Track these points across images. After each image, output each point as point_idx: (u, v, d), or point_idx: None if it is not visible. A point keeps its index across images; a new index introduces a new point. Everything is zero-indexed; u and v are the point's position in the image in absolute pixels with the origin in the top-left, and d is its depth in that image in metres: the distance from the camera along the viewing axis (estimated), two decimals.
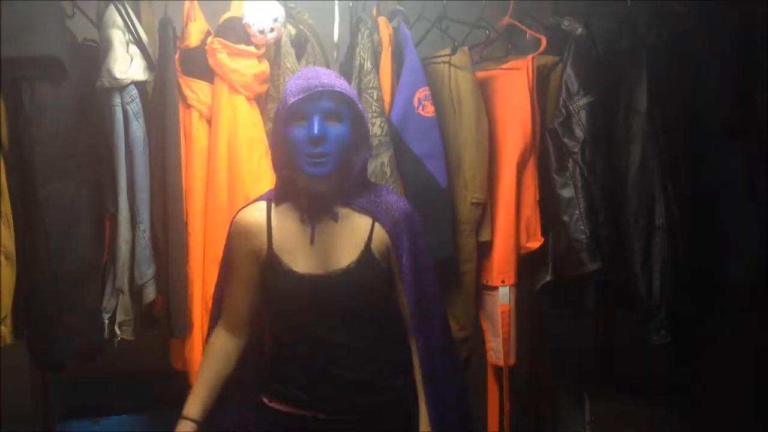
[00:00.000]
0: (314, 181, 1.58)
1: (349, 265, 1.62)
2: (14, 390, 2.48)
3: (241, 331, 1.75)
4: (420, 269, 1.67)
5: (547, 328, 2.80)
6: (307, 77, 1.56)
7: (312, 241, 1.63)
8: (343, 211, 1.64)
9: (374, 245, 1.64)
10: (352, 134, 1.58)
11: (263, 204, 1.69)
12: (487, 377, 2.38)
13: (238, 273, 1.70)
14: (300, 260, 1.63)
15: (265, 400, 1.71)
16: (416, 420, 1.67)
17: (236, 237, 1.70)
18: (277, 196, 1.68)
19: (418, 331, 1.66)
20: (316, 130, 1.51)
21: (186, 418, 1.67)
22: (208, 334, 1.79)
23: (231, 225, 1.72)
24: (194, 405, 1.69)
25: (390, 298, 1.69)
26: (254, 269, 1.68)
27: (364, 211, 1.64)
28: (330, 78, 1.57)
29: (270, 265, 1.65)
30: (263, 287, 1.70)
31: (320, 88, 1.53)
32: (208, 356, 1.74)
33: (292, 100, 1.53)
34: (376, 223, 1.64)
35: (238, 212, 1.72)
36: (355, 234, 1.64)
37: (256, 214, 1.68)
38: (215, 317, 1.78)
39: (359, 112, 1.60)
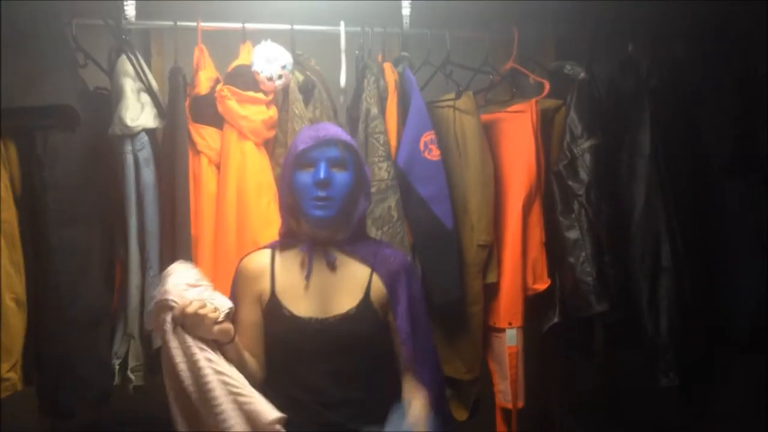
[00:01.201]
0: (318, 225, 1.65)
1: (348, 311, 1.67)
2: None
3: (260, 363, 1.75)
4: (417, 320, 1.72)
5: (555, 370, 2.78)
6: (315, 129, 1.69)
7: (312, 287, 1.68)
8: (342, 259, 1.71)
9: (373, 294, 1.69)
10: (354, 183, 1.66)
11: (267, 251, 1.76)
12: (495, 420, 2.36)
13: (242, 316, 1.73)
14: (301, 304, 1.68)
15: None
16: None
17: (240, 281, 1.75)
18: (282, 242, 1.75)
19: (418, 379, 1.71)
20: (322, 174, 1.61)
21: None
22: None
23: (236, 270, 1.77)
24: None
25: (386, 350, 1.72)
26: (258, 313, 1.73)
27: (362, 261, 1.71)
28: (337, 130, 1.69)
29: (271, 308, 1.69)
30: (265, 329, 1.73)
31: (328, 137, 1.64)
32: None
33: (301, 147, 1.63)
34: (374, 274, 1.70)
35: (242, 258, 1.78)
36: (354, 282, 1.70)
37: (259, 259, 1.74)
38: None
39: (361, 163, 1.70)
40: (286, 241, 1.74)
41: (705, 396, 2.38)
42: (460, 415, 2.33)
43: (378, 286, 1.69)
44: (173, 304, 1.56)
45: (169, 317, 1.57)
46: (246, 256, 1.78)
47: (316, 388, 1.65)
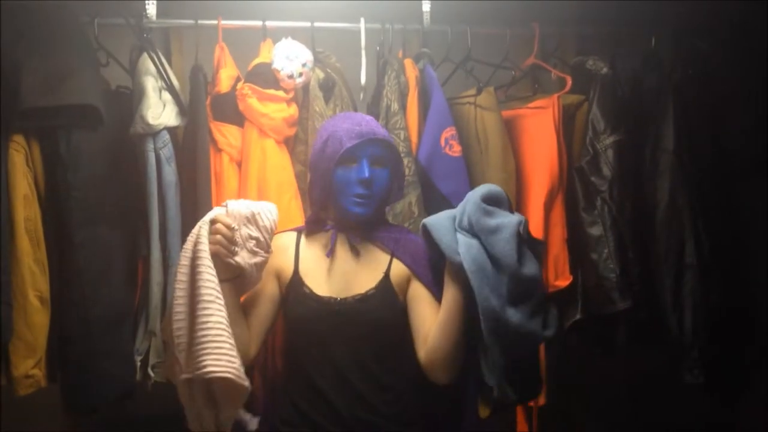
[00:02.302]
0: (355, 220, 1.69)
1: (367, 292, 1.70)
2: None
3: (254, 340, 1.76)
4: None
5: (577, 367, 2.76)
6: (358, 123, 1.68)
7: (333, 268, 1.72)
8: (364, 243, 1.74)
9: (393, 276, 1.72)
10: (391, 180, 1.71)
11: (293, 233, 1.82)
12: (516, 417, 2.35)
13: (261, 288, 1.76)
14: (322, 284, 1.72)
15: (279, 426, 1.72)
16: None
17: None
18: (308, 228, 1.79)
19: None
20: (367, 173, 1.64)
21: None
22: None
23: None
24: None
25: (404, 334, 1.72)
26: (276, 288, 1.77)
27: (383, 246, 1.74)
28: (378, 126, 1.71)
29: (293, 287, 1.73)
30: (285, 309, 1.77)
31: (371, 135, 1.66)
32: None
33: (348, 144, 1.63)
34: (395, 259, 1.73)
35: None
36: (374, 266, 1.73)
37: (286, 238, 1.80)
38: None
39: (399, 159, 1.74)
40: (312, 226, 1.78)
41: (735, 395, 2.34)
42: (483, 412, 2.31)
43: (398, 268, 1.72)
44: (223, 214, 1.65)
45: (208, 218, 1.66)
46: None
47: (334, 370, 1.66)
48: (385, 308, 1.68)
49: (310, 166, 1.76)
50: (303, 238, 1.79)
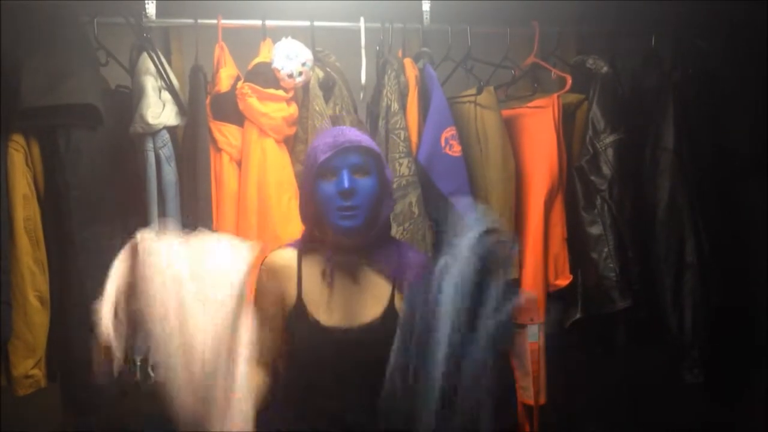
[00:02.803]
0: (345, 234, 1.59)
1: (373, 321, 1.63)
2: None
3: (268, 368, 1.74)
4: None
5: (577, 366, 2.76)
6: (333, 135, 1.60)
7: (336, 295, 1.64)
8: (364, 268, 1.66)
9: (397, 304, 1.64)
10: (378, 187, 1.61)
11: (293, 252, 1.71)
12: (517, 416, 2.35)
13: (265, 313, 1.71)
14: (326, 313, 1.64)
15: None
16: None
17: (267, 278, 1.71)
18: (305, 247, 1.70)
19: None
20: (346, 184, 1.54)
21: None
22: None
23: (262, 265, 1.72)
24: None
25: None
26: (279, 312, 1.70)
27: (384, 270, 1.66)
28: (356, 134, 1.61)
29: (297, 314, 1.66)
30: (289, 336, 1.70)
31: (348, 144, 1.57)
32: None
33: (321, 157, 1.56)
34: (396, 285, 1.65)
35: (269, 254, 1.73)
36: (378, 291, 1.66)
37: (288, 259, 1.69)
38: None
39: (383, 165, 1.63)
40: (308, 246, 1.70)
41: (735, 394, 2.34)
42: None
43: (400, 297, 1.64)
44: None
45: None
46: (273, 253, 1.73)
47: (339, 398, 1.62)
48: (391, 338, 1.64)
49: (298, 185, 1.70)
50: (303, 259, 1.69)
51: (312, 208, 1.63)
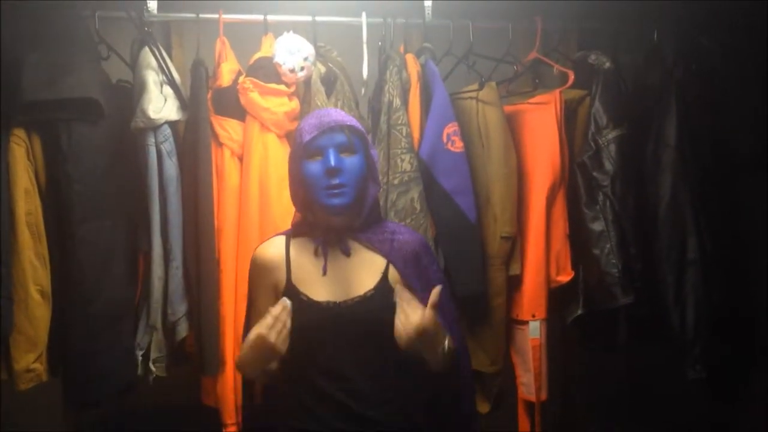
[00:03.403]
0: (334, 213, 1.62)
1: (366, 293, 1.65)
2: (44, 428, 2.50)
3: None
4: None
5: (578, 362, 2.77)
6: (319, 116, 1.63)
7: (328, 274, 1.67)
8: (357, 248, 1.69)
9: (391, 277, 1.67)
10: (365, 167, 1.63)
11: (281, 239, 1.74)
12: (518, 412, 2.35)
13: (261, 304, 1.73)
14: (318, 290, 1.67)
15: (287, 421, 1.71)
16: None
17: (256, 272, 1.74)
18: (296, 231, 1.73)
19: None
20: (332, 162, 1.57)
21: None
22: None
23: (251, 260, 1.75)
24: None
25: None
26: (274, 301, 1.70)
27: (377, 250, 1.68)
28: (341, 114, 1.64)
29: (288, 295, 1.66)
30: None
31: (333, 124, 1.60)
32: None
33: (307, 137, 1.59)
34: (390, 263, 1.68)
35: (257, 249, 1.76)
36: (370, 267, 1.68)
37: (273, 249, 1.72)
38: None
39: (368, 146, 1.66)
40: (300, 229, 1.72)
41: (737, 391, 2.34)
42: (483, 407, 2.32)
43: (394, 272, 1.68)
44: None
45: None
46: (259, 246, 1.75)
47: (338, 374, 1.64)
48: (385, 309, 1.64)
49: (288, 169, 1.70)
50: (292, 243, 1.72)
51: (301, 191, 1.65)
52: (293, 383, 1.72)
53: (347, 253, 1.68)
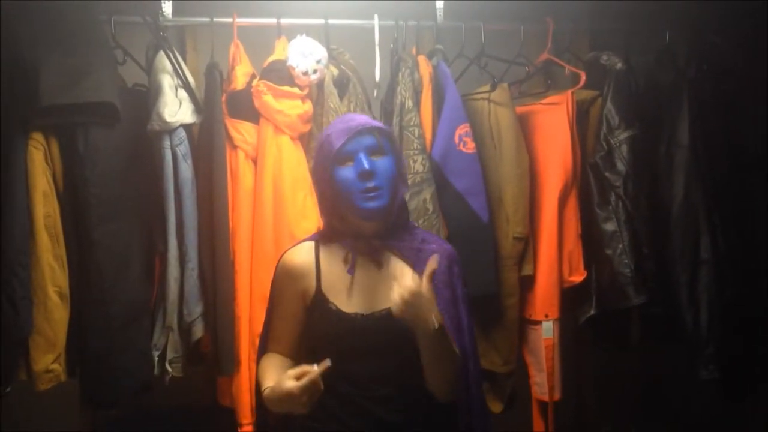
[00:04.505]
0: (369, 217, 1.59)
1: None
2: (62, 427, 2.52)
3: (291, 357, 1.76)
4: (459, 317, 1.67)
5: (591, 362, 2.77)
6: (345, 121, 1.63)
7: (356, 282, 1.65)
8: (386, 255, 1.67)
9: None
10: (396, 171, 1.62)
11: (310, 245, 1.72)
12: (532, 412, 2.36)
13: (285, 310, 1.73)
14: (346, 301, 1.65)
15: (307, 422, 1.71)
16: None
17: (284, 277, 1.72)
18: (324, 237, 1.71)
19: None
20: (366, 165, 1.55)
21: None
22: (257, 362, 1.78)
23: (278, 265, 1.74)
24: (273, 378, 1.63)
25: None
26: (301, 307, 1.71)
27: (405, 259, 1.66)
28: (366, 118, 1.65)
29: (318, 305, 1.67)
30: (309, 325, 1.72)
31: (360, 128, 1.58)
32: (269, 359, 1.73)
33: (337, 144, 1.57)
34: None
35: (285, 253, 1.74)
36: (398, 275, 1.62)
37: (304, 255, 1.70)
38: (262, 347, 1.78)
39: (397, 146, 1.65)
40: (328, 237, 1.70)
41: (751, 391, 2.34)
42: (496, 407, 2.33)
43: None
44: None
45: None
46: (288, 250, 1.74)
47: (362, 384, 1.64)
48: (411, 322, 1.65)
49: (313, 178, 1.68)
50: (321, 250, 1.69)
51: (331, 198, 1.63)
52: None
53: (376, 261, 1.66)
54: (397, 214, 1.66)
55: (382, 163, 1.58)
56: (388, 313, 1.60)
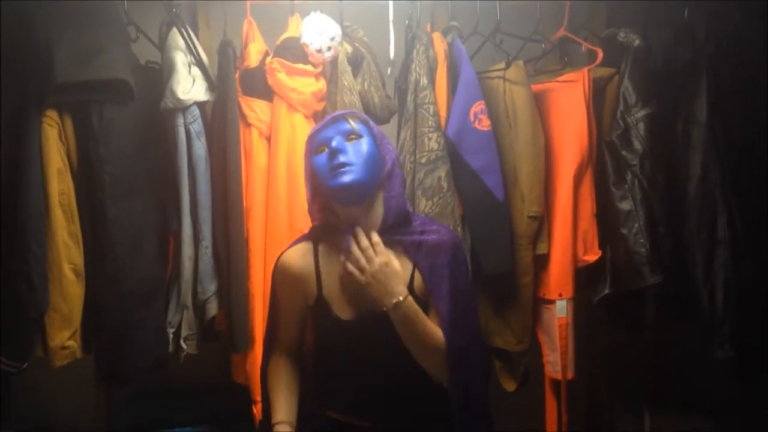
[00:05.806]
0: (342, 197, 1.59)
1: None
2: (78, 403, 2.55)
3: (295, 355, 1.80)
4: (459, 301, 1.66)
5: (605, 342, 2.76)
6: (327, 116, 1.67)
7: (354, 283, 1.62)
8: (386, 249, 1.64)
9: (416, 287, 1.65)
10: (376, 152, 1.61)
11: (308, 247, 1.71)
12: (545, 391, 2.36)
13: (289, 313, 1.75)
14: (347, 305, 1.65)
15: (314, 408, 1.74)
16: None
17: (284, 281, 1.72)
18: (318, 238, 1.71)
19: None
20: (335, 144, 1.58)
21: (281, 422, 1.70)
22: (264, 361, 1.80)
23: (277, 268, 1.73)
24: (282, 410, 1.72)
25: None
26: (302, 307, 1.73)
27: (405, 253, 1.65)
28: (350, 111, 1.67)
29: (319, 309, 1.68)
30: (311, 324, 1.76)
31: (335, 115, 1.63)
32: (278, 375, 1.77)
33: (313, 132, 1.63)
34: (417, 268, 1.65)
35: (282, 255, 1.73)
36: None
37: (303, 260, 1.70)
38: (268, 345, 1.80)
39: (376, 130, 1.65)
40: (326, 235, 1.70)
41: (759, 370, 2.32)
42: (510, 385, 2.33)
43: (420, 278, 1.64)
44: None
45: None
46: (285, 254, 1.72)
47: (365, 385, 1.65)
48: None
49: (305, 177, 1.68)
50: (320, 251, 1.69)
51: (315, 188, 1.65)
52: (316, 378, 1.74)
53: None
54: (397, 210, 1.64)
55: (355, 144, 1.59)
56: (385, 317, 1.60)
